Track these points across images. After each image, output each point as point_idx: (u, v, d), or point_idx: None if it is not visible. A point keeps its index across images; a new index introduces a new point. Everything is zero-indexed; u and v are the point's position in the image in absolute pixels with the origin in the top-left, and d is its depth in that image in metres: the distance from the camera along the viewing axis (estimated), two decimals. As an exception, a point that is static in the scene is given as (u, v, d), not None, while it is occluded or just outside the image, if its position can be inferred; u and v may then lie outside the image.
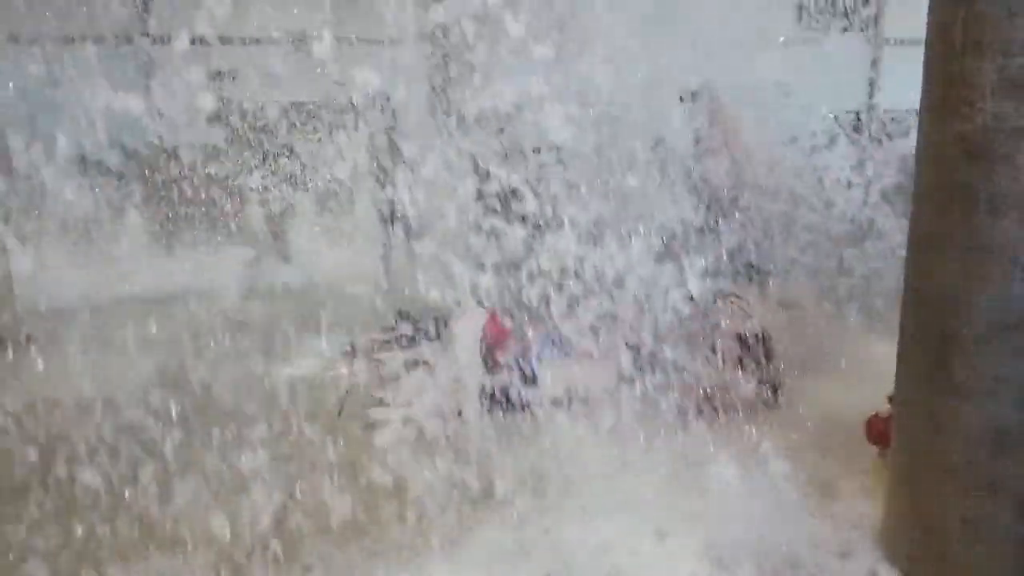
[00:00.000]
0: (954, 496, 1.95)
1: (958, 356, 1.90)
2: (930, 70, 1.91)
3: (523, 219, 3.73)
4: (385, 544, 2.54)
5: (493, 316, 4.04)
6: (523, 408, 3.52)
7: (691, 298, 3.60)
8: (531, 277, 3.61)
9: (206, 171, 7.37)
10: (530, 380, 3.59)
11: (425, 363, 4.17)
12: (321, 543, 2.54)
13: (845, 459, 2.93)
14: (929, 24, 1.89)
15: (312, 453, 3.17)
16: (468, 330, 3.23)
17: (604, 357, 3.75)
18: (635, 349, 3.77)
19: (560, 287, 4.00)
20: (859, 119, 15.09)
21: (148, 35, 11.61)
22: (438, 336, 4.30)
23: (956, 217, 1.85)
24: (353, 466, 3.06)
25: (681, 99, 5.09)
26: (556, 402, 3.59)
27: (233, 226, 6.94)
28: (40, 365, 4.33)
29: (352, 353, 4.54)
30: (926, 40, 1.90)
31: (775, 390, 3.44)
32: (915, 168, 2.05)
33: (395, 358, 4.33)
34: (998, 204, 1.78)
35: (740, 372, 3.44)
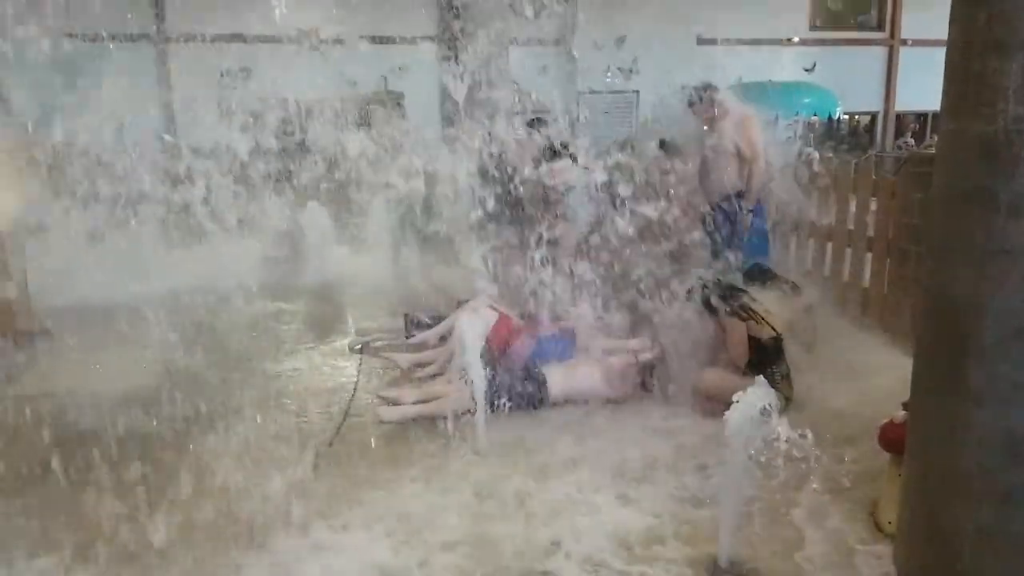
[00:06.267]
0: (968, 504, 1.92)
1: (974, 361, 1.86)
2: (951, 71, 1.88)
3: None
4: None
5: (504, 317, 4.04)
6: (532, 408, 3.51)
7: (706, 303, 3.58)
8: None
9: (221, 168, 7.39)
10: (538, 380, 3.57)
11: (432, 363, 4.18)
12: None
13: (858, 465, 2.90)
14: (951, 24, 1.86)
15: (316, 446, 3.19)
16: (475, 331, 3.22)
17: (611, 360, 3.74)
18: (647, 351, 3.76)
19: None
20: (874, 121, 14.91)
21: (164, 34, 11.68)
22: (445, 337, 4.30)
23: (975, 220, 1.82)
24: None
25: (690, 102, 5.06)
26: (561, 403, 3.58)
27: (248, 224, 6.97)
28: (55, 360, 4.37)
29: (361, 351, 4.56)
30: (948, 40, 1.87)
31: (787, 393, 3.40)
32: (934, 170, 2.02)
33: (403, 358, 4.34)
34: (1018, 207, 1.74)
35: (752, 376, 3.41)
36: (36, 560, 2.38)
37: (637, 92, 13.35)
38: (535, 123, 5.34)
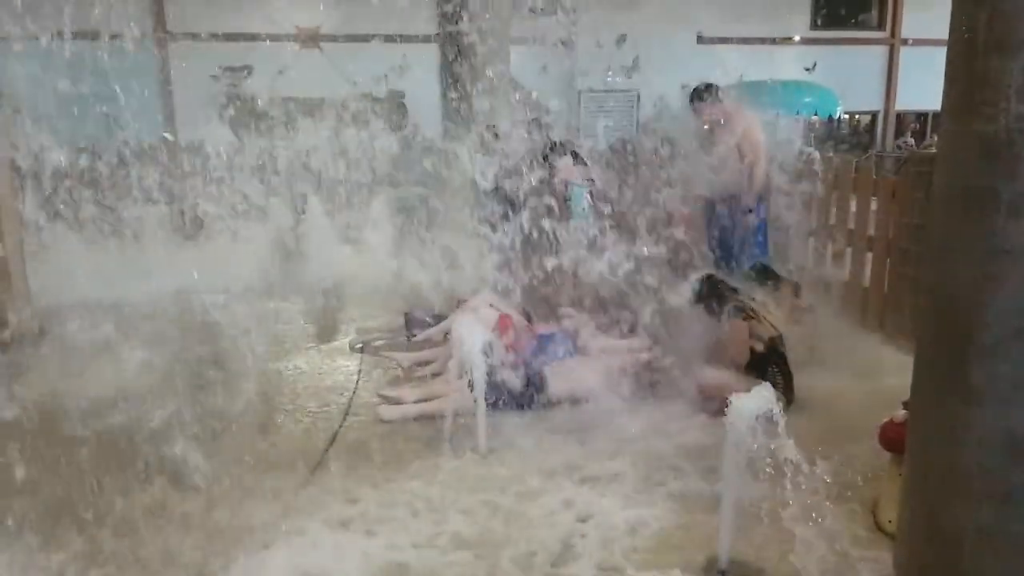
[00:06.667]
0: (968, 504, 1.92)
1: (975, 361, 1.86)
2: (952, 70, 1.88)
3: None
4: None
5: (504, 317, 4.04)
6: (532, 407, 3.51)
7: (707, 302, 3.58)
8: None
9: (220, 166, 7.40)
10: (538, 380, 3.57)
11: (433, 362, 4.18)
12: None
13: (859, 465, 2.90)
14: (952, 24, 1.86)
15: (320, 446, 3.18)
16: (474, 331, 3.22)
17: (612, 359, 3.74)
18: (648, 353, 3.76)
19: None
20: (874, 120, 14.91)
21: (164, 32, 11.67)
22: (447, 336, 4.30)
23: (975, 220, 1.82)
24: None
25: (691, 101, 5.05)
26: (562, 402, 3.58)
27: (248, 223, 6.97)
28: (53, 359, 4.37)
29: (362, 350, 4.56)
30: (949, 40, 1.87)
31: (788, 395, 3.40)
32: (935, 170, 2.01)
33: (404, 356, 4.34)
34: (1019, 207, 1.74)
35: (753, 376, 3.41)
36: (39, 558, 2.38)
37: (637, 91, 13.35)
38: (556, 148, 5.09)
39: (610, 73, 11.89)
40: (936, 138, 11.28)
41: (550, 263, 4.24)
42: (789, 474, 2.19)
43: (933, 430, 2.03)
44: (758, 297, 3.69)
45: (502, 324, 3.97)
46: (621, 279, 3.97)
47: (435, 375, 4.05)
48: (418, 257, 6.08)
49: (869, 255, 4.72)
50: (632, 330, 3.99)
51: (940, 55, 1.98)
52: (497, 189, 4.84)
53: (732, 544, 2.32)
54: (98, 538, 2.46)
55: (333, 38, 12.24)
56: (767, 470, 2.19)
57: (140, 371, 4.07)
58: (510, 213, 4.57)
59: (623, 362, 3.65)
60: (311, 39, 12.20)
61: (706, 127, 5.01)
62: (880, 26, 15.17)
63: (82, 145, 7.26)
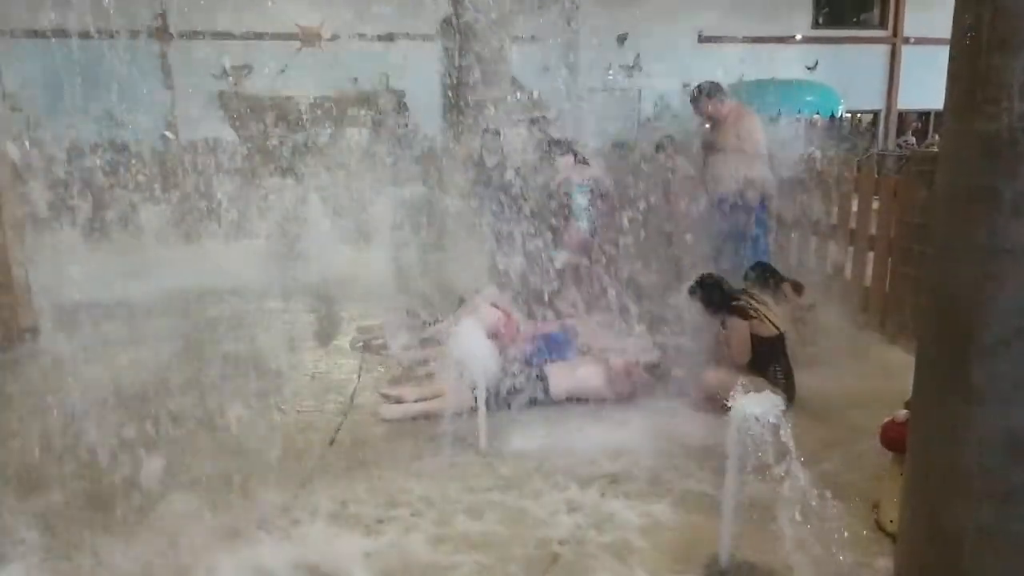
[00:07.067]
0: (969, 504, 1.91)
1: (976, 360, 1.86)
2: (955, 68, 1.87)
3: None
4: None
5: (507, 315, 4.04)
6: (534, 406, 3.51)
7: (708, 301, 3.58)
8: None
9: (221, 166, 7.40)
10: (539, 379, 3.57)
11: (434, 361, 4.18)
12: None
13: (860, 464, 2.90)
14: (954, 22, 1.85)
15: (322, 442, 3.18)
16: (477, 329, 3.21)
17: (614, 359, 3.73)
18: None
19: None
20: (876, 119, 14.88)
21: (165, 31, 11.68)
22: (448, 334, 4.30)
23: (978, 219, 1.81)
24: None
25: (692, 100, 5.04)
26: (563, 402, 3.58)
27: (248, 222, 6.97)
28: (52, 358, 4.38)
29: (363, 349, 4.56)
30: (951, 38, 1.86)
31: (789, 394, 3.39)
32: (937, 169, 2.01)
33: (405, 355, 4.34)
34: (1021, 206, 1.73)
35: (753, 373, 3.41)
36: (44, 554, 2.38)
37: (639, 90, 13.35)
38: (556, 147, 4.96)
39: (611, 72, 11.89)
40: (938, 137, 11.26)
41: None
42: (790, 474, 2.18)
43: (934, 430, 2.03)
44: (758, 296, 3.68)
45: (503, 323, 3.97)
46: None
47: (430, 374, 4.05)
48: (419, 257, 6.09)
49: (871, 254, 4.71)
50: (633, 328, 3.99)
51: (942, 54, 1.97)
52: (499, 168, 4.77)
53: (734, 544, 2.31)
54: (98, 536, 2.46)
55: (334, 37, 12.23)
56: (769, 470, 2.19)
57: (139, 371, 4.07)
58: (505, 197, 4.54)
59: (625, 361, 3.65)
60: (312, 38, 12.20)
61: (708, 126, 5.00)
62: (882, 25, 15.16)
63: (83, 144, 7.27)
